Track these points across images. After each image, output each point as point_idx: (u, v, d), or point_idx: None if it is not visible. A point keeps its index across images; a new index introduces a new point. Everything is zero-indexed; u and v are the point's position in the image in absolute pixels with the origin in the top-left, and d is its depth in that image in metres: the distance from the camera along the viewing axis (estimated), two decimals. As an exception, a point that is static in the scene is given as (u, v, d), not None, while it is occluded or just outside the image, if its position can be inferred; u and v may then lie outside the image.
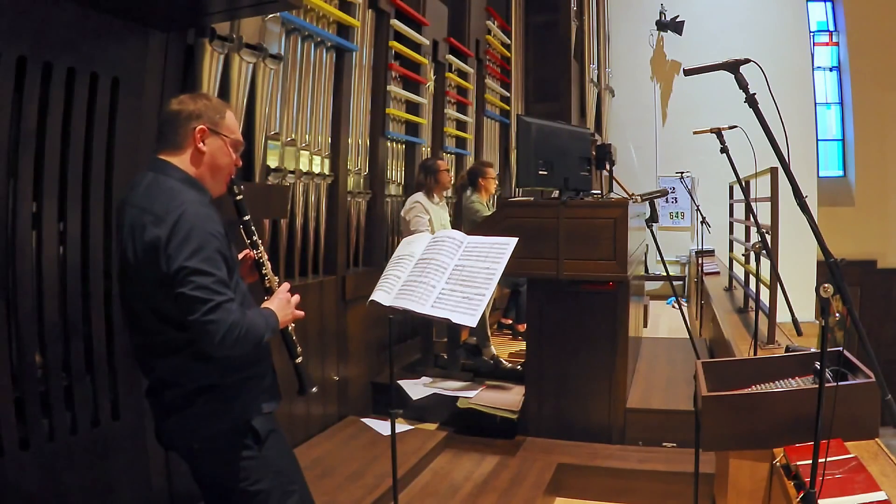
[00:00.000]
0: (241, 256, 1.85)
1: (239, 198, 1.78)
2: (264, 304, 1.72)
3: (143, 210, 1.54)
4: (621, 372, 3.54)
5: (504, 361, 4.36)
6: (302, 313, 1.79)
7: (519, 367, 4.17)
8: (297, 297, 1.78)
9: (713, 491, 2.51)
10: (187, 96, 1.68)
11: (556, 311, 3.61)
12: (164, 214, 1.51)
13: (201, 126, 1.63)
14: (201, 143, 1.64)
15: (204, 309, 1.46)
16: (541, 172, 3.53)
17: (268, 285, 1.78)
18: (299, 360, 1.83)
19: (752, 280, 4.05)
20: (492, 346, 4.40)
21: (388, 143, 4.50)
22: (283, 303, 1.73)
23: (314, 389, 1.87)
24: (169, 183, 1.58)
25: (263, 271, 1.79)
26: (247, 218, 1.78)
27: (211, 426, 1.61)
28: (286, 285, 1.78)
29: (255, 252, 1.80)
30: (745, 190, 3.32)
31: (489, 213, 4.70)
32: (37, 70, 1.96)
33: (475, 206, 4.77)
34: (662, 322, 6.94)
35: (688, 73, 1.74)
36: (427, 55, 4.86)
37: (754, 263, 4.02)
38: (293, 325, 1.80)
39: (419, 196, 4.30)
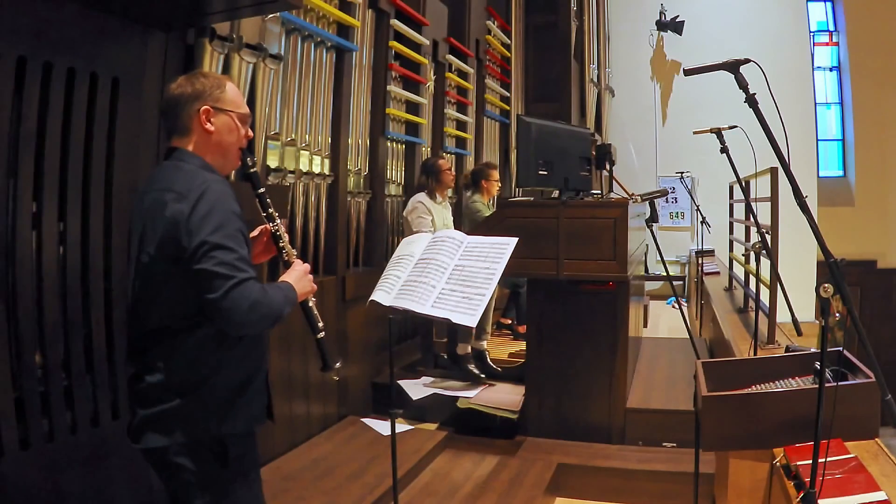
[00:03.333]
0: (257, 231, 1.80)
1: (252, 170, 1.73)
2: (281, 278, 1.66)
3: (164, 189, 1.51)
4: (621, 372, 3.54)
5: (472, 367, 4.19)
6: (315, 287, 1.74)
7: (482, 375, 4.09)
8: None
9: (713, 491, 2.51)
10: (184, 78, 1.63)
11: (556, 311, 3.61)
12: (187, 192, 1.48)
13: (205, 107, 1.59)
14: (208, 124, 1.60)
15: (226, 286, 1.42)
16: (541, 172, 3.53)
17: (286, 258, 1.73)
18: (321, 335, 1.75)
19: (752, 280, 4.05)
20: (469, 345, 4.25)
21: (388, 143, 4.50)
22: (300, 274, 1.68)
23: (338, 365, 1.79)
24: (186, 167, 1.56)
25: (281, 244, 1.74)
26: (262, 191, 1.73)
27: (183, 431, 1.51)
28: (304, 264, 1.73)
29: (272, 225, 1.74)
30: (745, 190, 3.32)
31: (490, 213, 4.70)
32: (37, 70, 1.96)
33: (476, 206, 4.78)
34: (662, 322, 6.94)
35: (688, 73, 1.74)
36: (427, 55, 4.86)
37: (754, 263, 4.02)
38: (314, 298, 1.75)
39: (422, 196, 4.30)
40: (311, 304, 1.74)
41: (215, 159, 1.62)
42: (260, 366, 1.65)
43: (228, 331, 1.49)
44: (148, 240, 1.51)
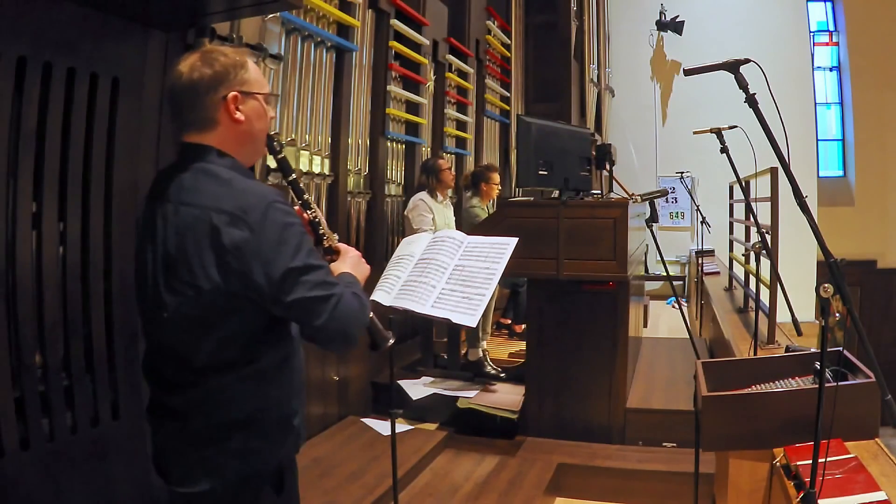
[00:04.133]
0: None
1: (281, 156, 1.56)
2: (338, 269, 1.49)
3: (210, 209, 1.26)
4: (621, 372, 3.54)
5: (490, 363, 4.28)
6: (370, 267, 1.59)
7: (502, 374, 4.17)
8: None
9: (713, 491, 2.51)
10: (197, 58, 1.33)
11: (556, 311, 3.61)
12: (242, 213, 1.25)
13: (233, 93, 1.32)
14: (237, 113, 1.34)
15: (330, 307, 1.28)
16: (541, 172, 3.53)
17: (327, 244, 1.57)
18: (370, 315, 1.60)
19: (752, 280, 4.05)
20: (479, 349, 4.31)
21: (388, 143, 4.50)
22: (356, 261, 1.54)
23: (391, 341, 1.67)
24: (222, 174, 1.31)
25: (321, 231, 1.57)
26: (293, 177, 1.57)
27: (240, 467, 1.35)
28: (350, 247, 1.60)
29: (309, 212, 1.56)
30: (745, 190, 3.32)
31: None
32: (37, 70, 1.95)
33: (474, 212, 4.76)
34: (662, 322, 6.94)
35: (688, 73, 1.74)
36: (427, 55, 4.86)
37: (754, 263, 4.02)
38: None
39: (423, 195, 4.31)
40: None
41: (244, 152, 1.39)
42: (302, 388, 1.53)
43: (336, 349, 1.40)
44: (193, 268, 1.27)
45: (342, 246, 1.58)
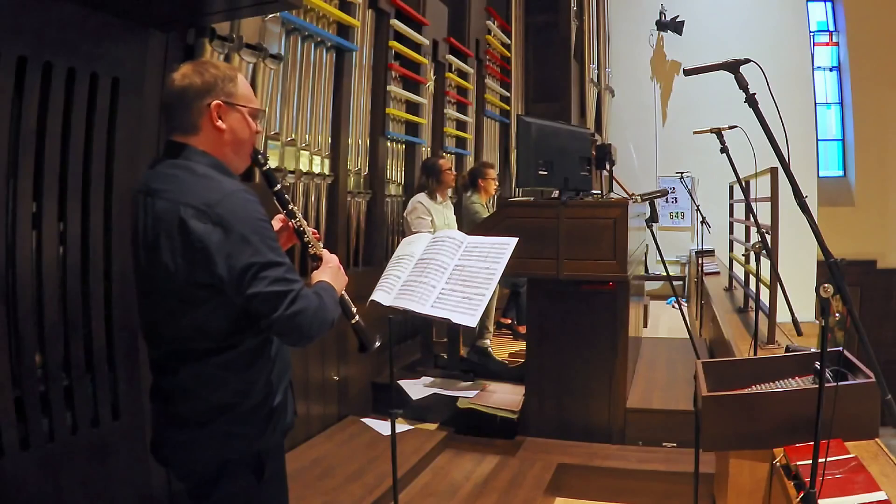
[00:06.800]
0: (277, 226, 1.67)
1: (266, 167, 1.61)
2: (316, 276, 1.57)
3: (179, 202, 1.35)
4: (621, 372, 3.54)
5: (492, 355, 4.37)
6: (346, 278, 1.66)
7: (476, 360, 4.25)
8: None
9: (713, 491, 2.51)
10: (190, 68, 1.45)
11: (556, 311, 3.61)
12: (207, 207, 1.34)
13: (216, 102, 1.43)
14: (219, 121, 1.44)
15: (287, 301, 1.34)
16: (541, 172, 3.53)
17: (312, 251, 1.63)
18: (356, 319, 1.71)
19: (752, 280, 4.05)
20: (487, 339, 4.40)
21: (388, 143, 4.50)
22: (335, 271, 1.60)
23: (377, 344, 1.76)
24: (198, 169, 1.41)
25: (306, 239, 1.64)
26: (278, 188, 1.62)
27: (222, 451, 1.44)
28: (333, 256, 1.65)
29: (294, 221, 1.63)
30: (745, 190, 3.32)
31: (488, 214, 4.71)
32: (37, 70, 1.95)
33: (474, 208, 4.78)
34: (662, 322, 6.94)
35: (688, 73, 1.74)
36: (427, 55, 4.86)
37: (754, 263, 4.02)
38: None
39: (421, 197, 4.31)
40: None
41: (226, 159, 1.48)
42: (285, 376, 1.59)
43: (294, 344, 1.42)
44: (166, 257, 1.37)
45: (325, 253, 1.64)
